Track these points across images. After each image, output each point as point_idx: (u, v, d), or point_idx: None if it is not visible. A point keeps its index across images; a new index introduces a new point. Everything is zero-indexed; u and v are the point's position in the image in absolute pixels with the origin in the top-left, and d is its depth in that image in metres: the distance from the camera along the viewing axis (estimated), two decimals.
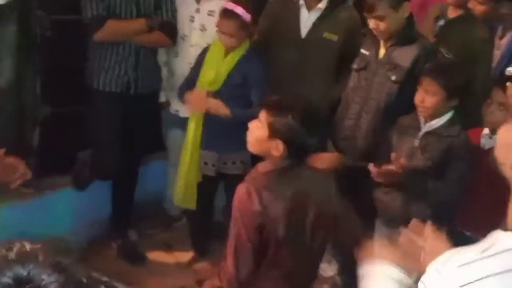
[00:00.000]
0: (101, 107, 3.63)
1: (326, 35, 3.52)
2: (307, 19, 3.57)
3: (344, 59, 3.47)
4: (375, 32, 3.19)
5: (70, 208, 3.81)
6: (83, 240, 3.81)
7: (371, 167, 2.91)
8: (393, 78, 3.20)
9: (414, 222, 1.52)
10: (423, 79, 2.90)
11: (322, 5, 3.56)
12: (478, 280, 1.12)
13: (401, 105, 3.10)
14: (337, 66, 3.53)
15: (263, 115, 2.33)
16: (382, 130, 3.19)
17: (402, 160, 2.86)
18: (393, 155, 2.89)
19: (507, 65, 3.23)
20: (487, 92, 2.94)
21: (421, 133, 2.95)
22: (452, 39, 3.50)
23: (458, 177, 2.82)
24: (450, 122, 2.91)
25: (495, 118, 2.82)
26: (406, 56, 3.19)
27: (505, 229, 1.21)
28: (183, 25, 3.76)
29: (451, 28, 3.73)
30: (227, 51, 3.50)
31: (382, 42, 3.25)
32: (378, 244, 1.51)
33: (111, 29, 3.49)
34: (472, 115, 2.98)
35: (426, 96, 2.88)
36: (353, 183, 3.15)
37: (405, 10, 3.14)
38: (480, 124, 2.96)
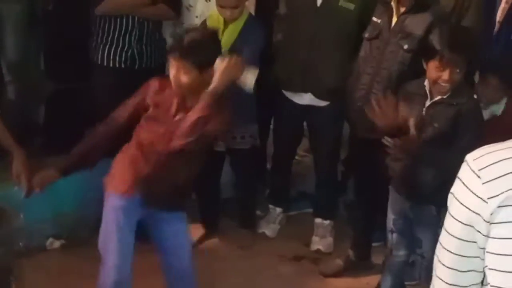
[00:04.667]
0: (106, 82, 3.56)
1: (342, 3, 3.42)
2: None
3: (361, 28, 3.38)
4: None
5: (78, 186, 3.76)
6: (90, 218, 3.77)
7: (386, 140, 2.83)
8: (406, 47, 3.12)
9: None
10: (442, 53, 2.73)
11: None
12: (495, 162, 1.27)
13: (414, 74, 3.01)
14: (354, 36, 3.43)
15: None
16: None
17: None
18: (411, 121, 2.80)
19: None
20: None
21: (428, 102, 2.85)
22: None
23: (467, 144, 2.73)
24: (458, 89, 2.80)
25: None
26: (419, 23, 3.11)
27: None
28: None
29: None
30: (226, 23, 3.42)
31: (394, 10, 3.16)
32: None
33: (113, 2, 3.42)
34: None
35: (446, 71, 2.73)
36: (366, 154, 3.07)
37: None
38: None
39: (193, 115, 2.64)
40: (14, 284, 0.85)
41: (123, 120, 2.83)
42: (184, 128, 2.64)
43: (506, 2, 3.38)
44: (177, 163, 2.73)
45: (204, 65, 2.67)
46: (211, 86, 2.67)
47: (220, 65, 2.70)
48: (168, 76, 2.76)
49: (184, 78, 2.67)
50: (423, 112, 2.84)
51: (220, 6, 3.40)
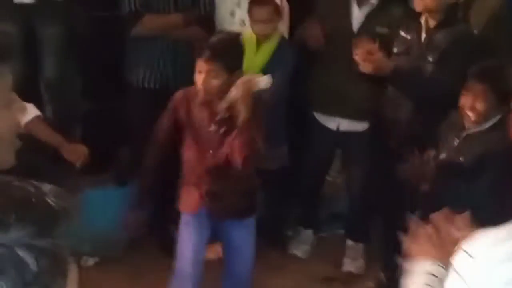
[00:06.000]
0: (140, 103, 3.62)
1: (378, 29, 3.45)
2: (358, 14, 3.53)
3: None
4: (416, 3, 3.14)
5: (112, 204, 3.82)
6: (124, 237, 3.82)
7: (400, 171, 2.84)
8: (430, 59, 3.14)
9: (446, 211, 1.51)
10: (471, 83, 2.75)
11: (374, 1, 3.50)
12: (507, 259, 1.09)
13: (437, 85, 3.06)
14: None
15: None
16: (425, 114, 3.12)
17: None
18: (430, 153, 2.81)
19: None
20: None
21: (463, 134, 2.84)
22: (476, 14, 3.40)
23: (491, 184, 2.67)
24: (493, 127, 2.77)
25: None
26: (444, 37, 3.13)
27: None
28: (223, 19, 3.72)
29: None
30: (259, 43, 3.46)
31: (424, 25, 3.18)
32: (413, 242, 1.52)
33: (148, 24, 3.49)
34: None
35: (475, 101, 2.73)
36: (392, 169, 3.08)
37: None
38: None
39: (239, 143, 2.68)
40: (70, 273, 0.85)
41: (169, 142, 2.91)
42: (239, 154, 2.68)
43: None
44: (233, 173, 2.79)
45: (233, 67, 2.67)
46: (241, 118, 2.66)
47: (234, 95, 2.68)
48: (189, 87, 2.79)
49: (215, 82, 2.66)
50: (455, 143, 2.83)
51: (253, 20, 3.45)
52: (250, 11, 3.45)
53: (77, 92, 3.96)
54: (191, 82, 3.70)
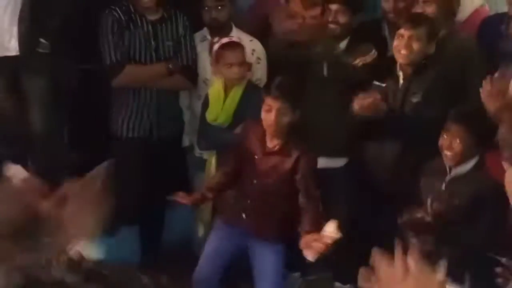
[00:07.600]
0: (125, 152, 3.65)
1: (349, 72, 3.52)
2: None
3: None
4: (398, 56, 3.22)
5: (99, 254, 3.80)
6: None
7: (400, 221, 2.89)
8: (413, 100, 3.25)
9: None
10: (450, 124, 2.88)
11: (342, 46, 3.59)
12: None
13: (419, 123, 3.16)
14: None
15: None
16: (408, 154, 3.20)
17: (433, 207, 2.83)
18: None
19: None
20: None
21: (448, 178, 2.91)
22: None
23: (487, 222, 2.74)
24: (476, 167, 2.87)
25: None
26: (424, 81, 3.24)
27: None
28: (205, 68, 3.78)
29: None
30: (227, 90, 3.50)
31: (401, 72, 3.25)
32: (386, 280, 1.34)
33: (131, 74, 3.55)
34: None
35: (453, 141, 2.85)
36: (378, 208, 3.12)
37: (432, 46, 3.23)
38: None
39: None
40: None
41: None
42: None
43: None
44: (272, 201, 3.07)
45: (296, 106, 2.98)
46: None
47: None
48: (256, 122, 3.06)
49: (285, 119, 2.95)
50: (442, 188, 2.89)
51: (227, 64, 3.44)
52: (222, 57, 3.45)
53: (63, 144, 3.99)
54: (174, 129, 3.78)
